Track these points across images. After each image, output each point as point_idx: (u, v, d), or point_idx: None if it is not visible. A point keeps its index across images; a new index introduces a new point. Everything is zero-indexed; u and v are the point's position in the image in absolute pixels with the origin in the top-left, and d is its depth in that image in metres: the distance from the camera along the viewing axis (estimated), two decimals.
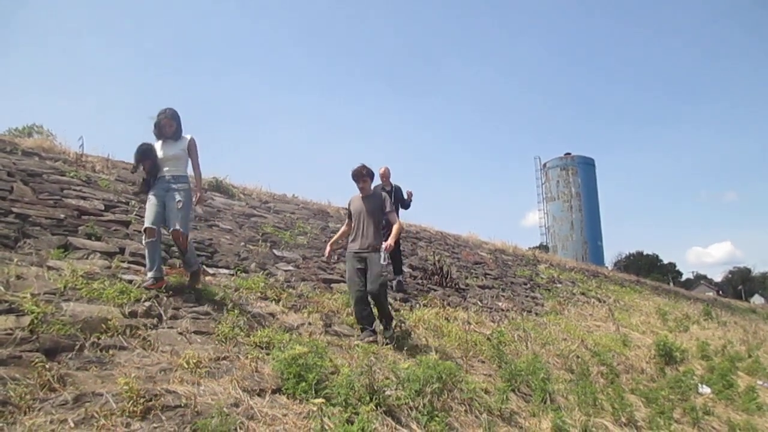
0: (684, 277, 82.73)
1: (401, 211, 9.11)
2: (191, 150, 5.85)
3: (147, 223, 5.40)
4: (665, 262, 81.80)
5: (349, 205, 6.70)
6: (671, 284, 40.83)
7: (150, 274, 5.33)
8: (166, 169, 5.65)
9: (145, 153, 5.66)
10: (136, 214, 7.33)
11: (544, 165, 46.79)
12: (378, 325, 6.28)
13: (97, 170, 8.97)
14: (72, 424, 3.07)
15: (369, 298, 6.15)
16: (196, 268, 5.74)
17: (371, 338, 5.90)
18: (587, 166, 45.73)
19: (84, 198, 7.28)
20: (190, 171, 5.95)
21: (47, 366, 3.51)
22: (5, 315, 3.98)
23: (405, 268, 10.61)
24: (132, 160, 5.85)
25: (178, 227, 5.39)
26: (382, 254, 6.12)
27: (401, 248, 10.21)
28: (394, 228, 6.53)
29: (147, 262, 5.38)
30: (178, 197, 5.49)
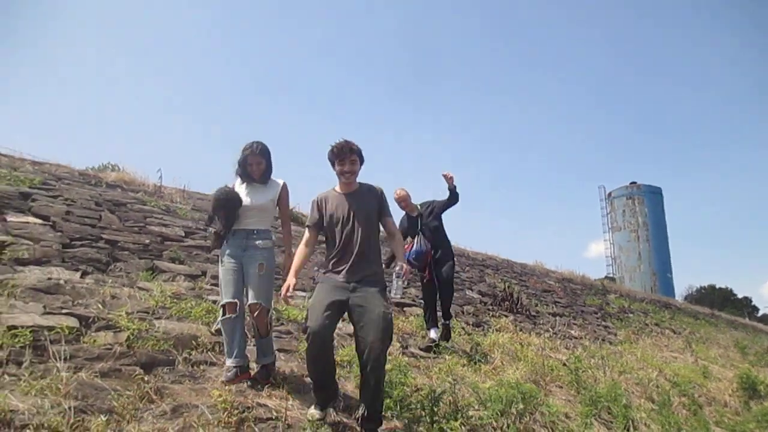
0: (760, 312, 78.68)
1: (452, 209, 6.83)
2: (282, 200, 4.56)
3: (226, 297, 4.19)
4: (739, 296, 78.07)
5: (319, 206, 4.09)
6: (747, 319, 38.97)
7: (230, 362, 4.11)
8: (248, 221, 4.39)
9: (227, 202, 4.37)
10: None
11: (609, 194, 45.88)
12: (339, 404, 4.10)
13: (175, 200, 9.33)
14: None
15: (361, 366, 3.70)
16: (271, 359, 4.35)
17: None
18: (654, 195, 44.60)
19: (165, 225, 7.58)
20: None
21: (145, 379, 3.66)
22: (104, 331, 4.18)
23: (474, 294, 10.52)
24: (210, 204, 4.58)
25: (257, 300, 4.16)
26: (399, 282, 4.13)
27: (460, 275, 9.74)
28: (399, 241, 4.30)
29: (225, 347, 4.19)
30: (260, 259, 4.27)
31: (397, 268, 4.08)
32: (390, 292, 3.89)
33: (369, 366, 3.55)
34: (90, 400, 3.24)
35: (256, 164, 4.41)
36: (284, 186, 4.56)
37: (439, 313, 6.72)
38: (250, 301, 4.17)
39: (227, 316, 4.15)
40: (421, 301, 7.22)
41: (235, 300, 4.18)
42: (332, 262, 3.93)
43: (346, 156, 3.90)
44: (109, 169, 12.01)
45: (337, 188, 4.07)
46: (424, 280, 6.72)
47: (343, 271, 3.83)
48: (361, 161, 4.01)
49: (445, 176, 6.51)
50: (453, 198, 6.67)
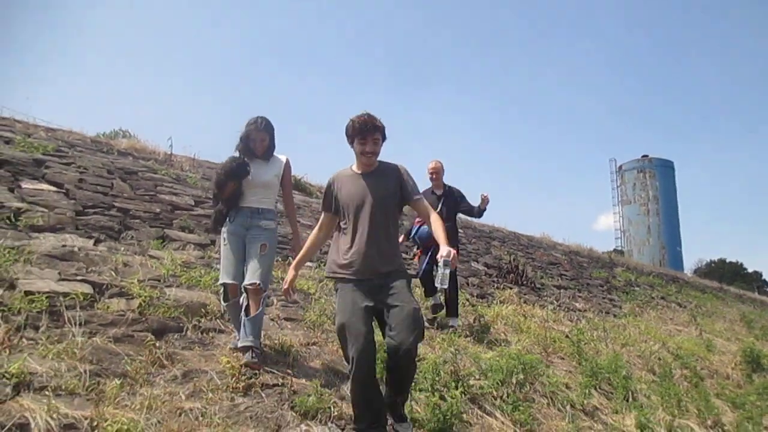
0: None
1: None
2: (286, 177, 4.44)
3: (227, 278, 4.13)
4: (750, 270, 77.72)
5: (331, 188, 3.70)
6: (756, 293, 38.99)
7: (247, 342, 3.89)
8: (252, 198, 4.26)
9: (239, 169, 4.19)
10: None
11: (620, 167, 45.60)
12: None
13: (185, 169, 9.43)
14: (183, 397, 3.31)
15: (391, 367, 3.43)
16: (255, 343, 3.97)
17: None
18: (666, 168, 44.30)
19: (176, 194, 7.70)
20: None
21: (156, 345, 3.79)
22: (117, 298, 4.32)
23: (480, 266, 10.62)
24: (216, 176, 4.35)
25: (256, 280, 4.00)
26: (446, 272, 3.33)
27: (467, 247, 9.69)
28: (438, 222, 3.56)
29: (236, 327, 4.18)
30: (264, 240, 4.17)
31: (444, 254, 3.32)
32: (436, 281, 3.37)
33: (401, 366, 3.32)
34: (104, 364, 3.39)
35: (260, 140, 4.27)
36: (287, 162, 4.42)
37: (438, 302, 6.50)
38: (247, 281, 4.03)
39: (231, 300, 4.14)
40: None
41: (236, 282, 4.10)
42: (347, 253, 3.49)
43: (369, 134, 3.44)
44: (120, 135, 12.12)
45: (354, 167, 3.63)
46: (424, 263, 6.35)
47: (361, 265, 3.42)
48: (384, 139, 3.55)
49: (483, 198, 6.49)
50: (477, 215, 6.71)
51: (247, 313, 3.97)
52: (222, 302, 4.25)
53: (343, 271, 3.51)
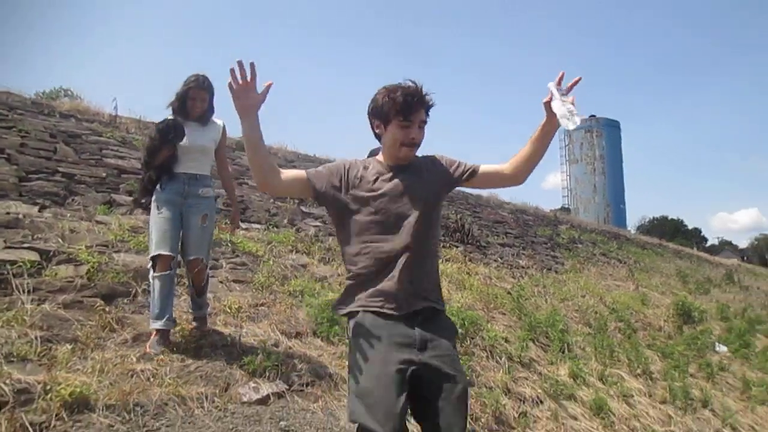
0: (709, 243, 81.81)
1: None
2: (222, 144, 4.16)
3: (160, 248, 3.69)
4: (690, 227, 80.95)
5: (341, 172, 2.33)
6: (695, 249, 40.75)
7: (159, 324, 3.63)
8: (188, 164, 3.90)
9: (177, 131, 3.83)
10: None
11: None
12: None
13: (131, 131, 9.27)
14: (134, 359, 3.46)
15: None
16: (205, 312, 4.10)
17: None
18: (612, 128, 45.39)
19: (122, 158, 7.61)
20: None
21: (106, 309, 3.89)
22: (65, 264, 4.36)
23: None
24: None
25: (200, 255, 3.86)
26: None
27: None
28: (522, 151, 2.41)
29: (155, 307, 3.66)
30: (204, 210, 3.90)
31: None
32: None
33: None
34: (55, 330, 3.48)
35: (200, 100, 3.92)
36: (224, 128, 4.14)
37: None
38: (190, 256, 3.82)
39: (165, 272, 3.69)
40: None
41: (172, 253, 3.71)
42: (367, 279, 2.22)
43: (415, 112, 2.24)
44: (62, 95, 11.78)
45: (380, 157, 2.38)
46: None
47: (393, 297, 2.16)
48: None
49: None
50: None
51: (196, 291, 3.97)
52: (153, 274, 3.72)
53: (368, 301, 2.20)
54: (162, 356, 3.55)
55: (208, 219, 3.92)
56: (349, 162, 2.37)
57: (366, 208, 2.24)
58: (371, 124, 2.34)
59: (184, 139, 3.84)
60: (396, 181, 2.27)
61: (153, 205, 3.85)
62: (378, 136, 2.34)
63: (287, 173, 2.28)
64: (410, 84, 2.23)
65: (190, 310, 4.11)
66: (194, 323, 4.04)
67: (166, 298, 3.68)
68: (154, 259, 3.71)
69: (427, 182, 2.32)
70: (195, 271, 3.87)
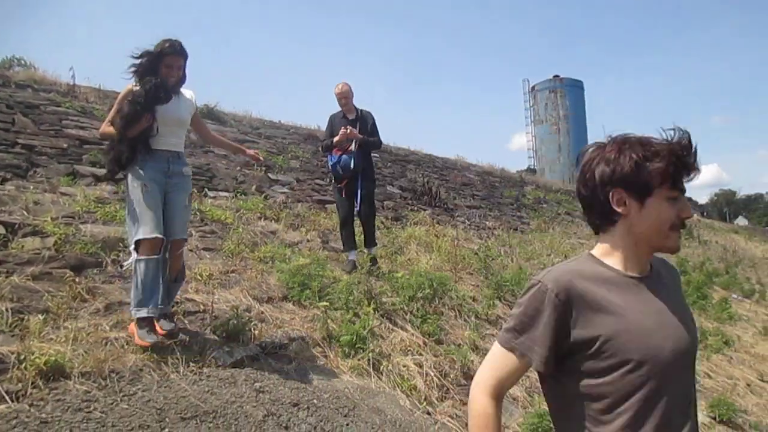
0: None
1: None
2: (198, 115, 3.97)
3: (156, 232, 3.39)
4: None
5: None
6: None
7: (145, 311, 3.31)
8: (168, 140, 3.65)
9: (163, 93, 3.49)
10: None
11: (533, 87, 46.60)
12: None
13: (90, 101, 9.09)
14: (107, 328, 3.48)
15: None
16: (170, 308, 3.70)
17: None
18: (576, 88, 45.60)
19: (83, 128, 7.49)
20: None
21: (76, 280, 3.89)
22: (31, 237, 4.34)
23: (395, 189, 10.97)
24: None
25: (183, 236, 3.70)
26: None
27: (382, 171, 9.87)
28: None
29: (142, 290, 3.33)
30: (189, 189, 3.78)
31: None
32: None
33: None
34: (25, 302, 3.48)
35: (176, 67, 3.57)
36: (194, 99, 3.89)
37: (360, 238, 6.18)
38: (175, 237, 3.58)
39: (154, 256, 3.39)
40: None
41: (161, 236, 3.42)
42: None
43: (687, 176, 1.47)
44: (15, 64, 11.41)
45: (610, 259, 1.46)
46: (342, 193, 5.95)
47: None
48: None
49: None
50: (378, 146, 6.36)
51: (173, 276, 3.69)
52: (138, 257, 3.38)
53: None
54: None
55: (189, 199, 3.78)
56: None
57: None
58: (598, 197, 1.42)
59: (161, 110, 3.53)
60: (652, 305, 1.39)
61: (134, 183, 3.48)
62: (611, 220, 1.43)
63: None
64: (682, 132, 1.42)
65: (159, 306, 3.41)
66: (164, 329, 3.43)
67: (154, 282, 3.36)
68: (138, 241, 3.38)
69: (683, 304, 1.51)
70: (178, 252, 3.64)
